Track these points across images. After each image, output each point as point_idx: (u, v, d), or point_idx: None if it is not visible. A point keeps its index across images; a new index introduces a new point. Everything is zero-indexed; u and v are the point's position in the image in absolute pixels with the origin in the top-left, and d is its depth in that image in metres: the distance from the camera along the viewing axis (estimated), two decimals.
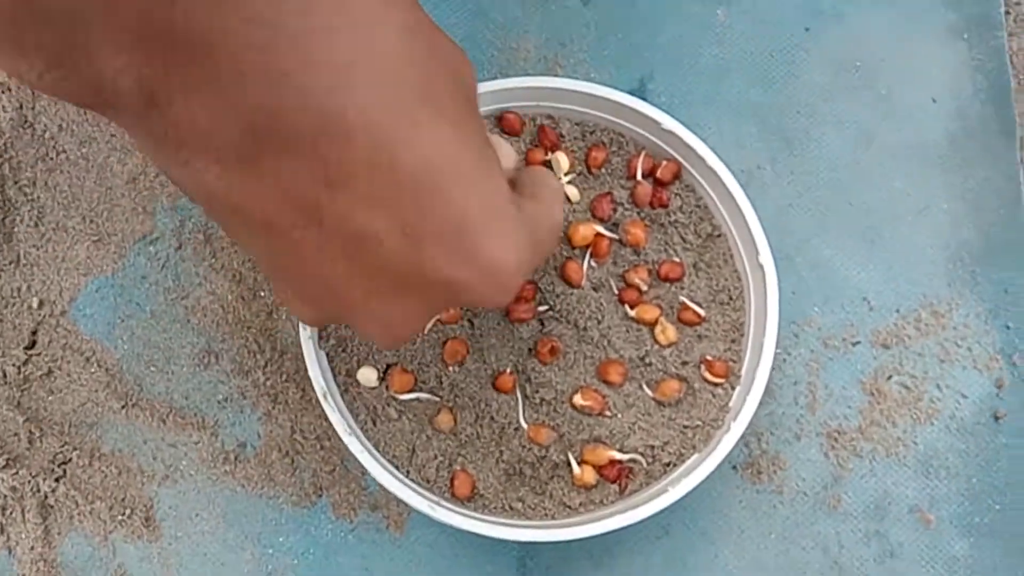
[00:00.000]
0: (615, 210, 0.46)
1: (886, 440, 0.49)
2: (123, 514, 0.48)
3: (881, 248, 0.51)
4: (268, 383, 0.49)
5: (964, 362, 0.50)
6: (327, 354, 0.44)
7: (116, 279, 0.51)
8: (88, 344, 0.50)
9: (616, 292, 0.45)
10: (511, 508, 0.43)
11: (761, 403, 0.43)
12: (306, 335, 0.43)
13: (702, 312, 0.45)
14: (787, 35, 0.54)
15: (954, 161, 0.52)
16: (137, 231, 0.51)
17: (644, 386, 0.45)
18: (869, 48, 0.54)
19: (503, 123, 0.47)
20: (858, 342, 0.50)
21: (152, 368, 0.50)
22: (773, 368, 0.43)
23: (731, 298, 0.45)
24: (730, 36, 0.54)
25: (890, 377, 0.50)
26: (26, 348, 0.50)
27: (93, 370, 0.50)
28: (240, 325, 0.50)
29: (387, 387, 0.44)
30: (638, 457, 0.43)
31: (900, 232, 0.51)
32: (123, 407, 0.49)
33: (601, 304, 0.45)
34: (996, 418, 0.49)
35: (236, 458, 0.48)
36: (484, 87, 0.46)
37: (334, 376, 0.44)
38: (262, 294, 0.51)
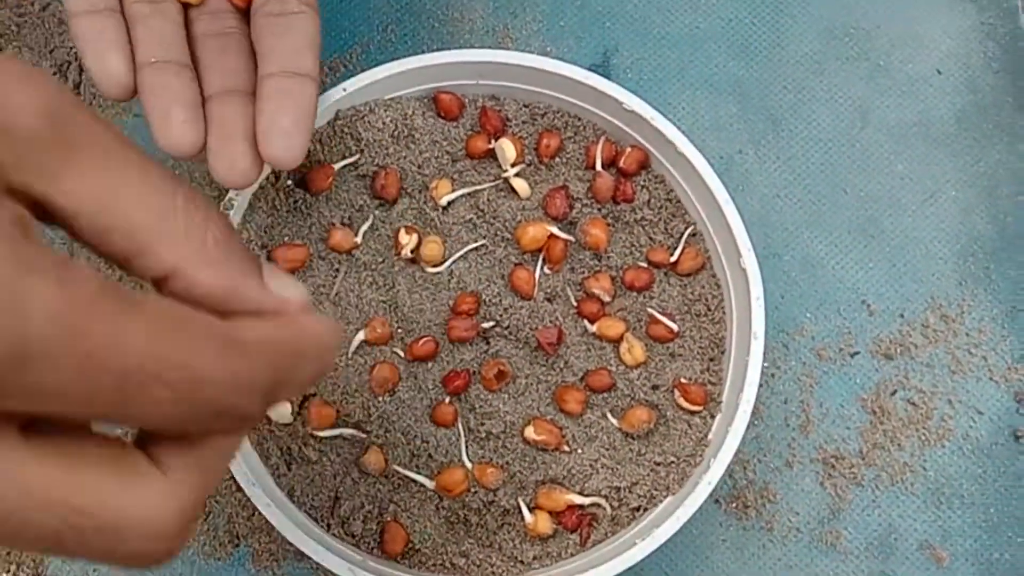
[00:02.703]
0: (571, 207, 0.40)
1: (891, 466, 0.44)
2: (8, 571, 0.43)
3: (881, 243, 0.46)
4: None
5: (979, 373, 0.45)
6: None
7: None
8: None
9: (574, 304, 0.40)
10: (452, 565, 0.38)
11: (747, 425, 0.38)
12: None
13: (674, 326, 0.40)
14: None
15: (963, 141, 0.48)
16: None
17: (608, 415, 0.39)
18: (864, 13, 0.49)
19: (438, 105, 0.40)
20: (857, 352, 0.45)
21: None
22: (760, 386, 0.39)
23: (709, 309, 0.40)
24: (706, 1, 0.50)
25: (894, 392, 0.45)
26: None
27: None
28: None
29: (304, 423, 0.38)
30: (602, 501, 0.38)
31: (903, 224, 0.47)
32: None
33: (556, 318, 0.40)
34: (1016, 437, 0.45)
35: None
36: (414, 63, 0.40)
37: None
38: None
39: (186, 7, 0.35)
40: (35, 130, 0.18)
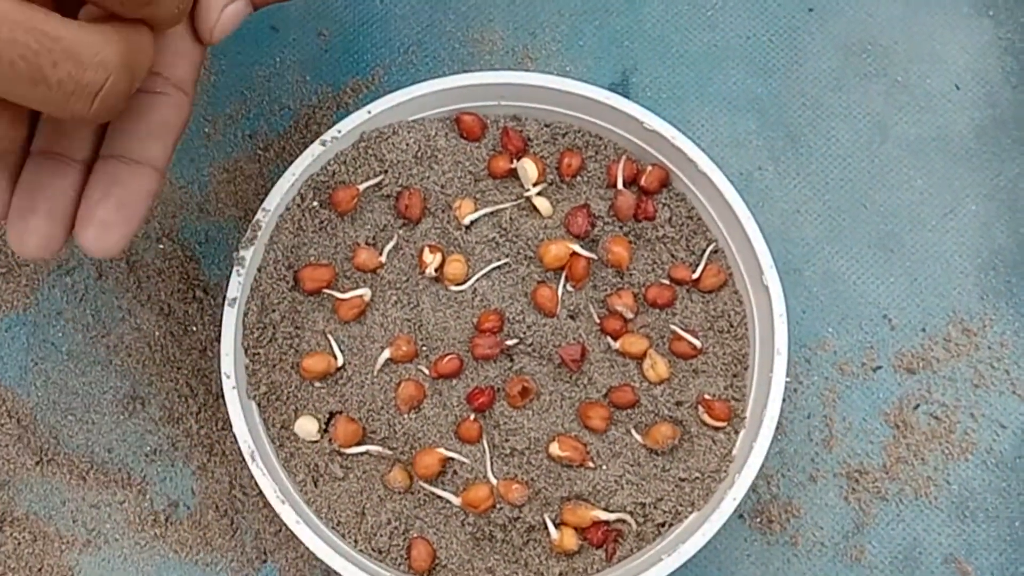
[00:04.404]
0: (593, 225, 0.40)
1: (915, 480, 0.44)
2: None
3: (902, 258, 0.46)
4: (202, 432, 0.44)
5: (1001, 387, 0.45)
6: (258, 404, 0.38)
7: (28, 316, 0.46)
8: None
9: (597, 321, 0.40)
10: None
11: (770, 441, 0.38)
12: (230, 384, 0.37)
13: (697, 343, 0.40)
14: (788, 16, 0.50)
15: (983, 155, 0.48)
16: (51, 259, 0.45)
17: (632, 431, 0.39)
18: (881, 29, 0.49)
19: (461, 126, 0.41)
20: (879, 367, 0.45)
21: (70, 417, 0.45)
22: (783, 401, 0.39)
23: (731, 325, 0.40)
24: (724, 20, 0.50)
25: (917, 406, 0.44)
26: None
27: (2, 421, 0.45)
28: (169, 366, 0.44)
29: (330, 440, 0.39)
30: (627, 517, 0.38)
31: (923, 239, 0.47)
32: (37, 463, 0.44)
33: (580, 335, 0.40)
34: None
35: (167, 519, 0.44)
36: (437, 85, 0.40)
37: (267, 430, 0.38)
38: (194, 329, 0.45)
39: None
40: None
